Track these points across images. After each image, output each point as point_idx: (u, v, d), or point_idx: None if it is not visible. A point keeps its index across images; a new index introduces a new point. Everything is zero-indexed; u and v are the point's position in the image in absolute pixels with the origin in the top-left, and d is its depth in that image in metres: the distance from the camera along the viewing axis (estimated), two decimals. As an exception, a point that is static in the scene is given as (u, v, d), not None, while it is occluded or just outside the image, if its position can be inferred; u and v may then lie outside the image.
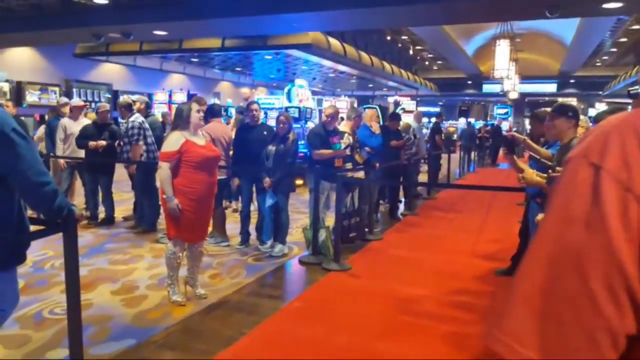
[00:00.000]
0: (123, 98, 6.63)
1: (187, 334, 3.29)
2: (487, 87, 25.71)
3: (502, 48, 12.76)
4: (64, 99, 7.41)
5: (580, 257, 0.48)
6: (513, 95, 20.67)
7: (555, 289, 0.50)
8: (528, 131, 20.23)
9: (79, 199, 6.98)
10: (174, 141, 3.64)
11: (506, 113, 31.87)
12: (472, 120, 31.15)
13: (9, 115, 2.15)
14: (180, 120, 3.72)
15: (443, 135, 11.79)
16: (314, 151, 5.20)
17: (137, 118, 5.90)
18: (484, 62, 21.77)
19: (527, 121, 31.50)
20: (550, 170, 3.06)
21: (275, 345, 3.19)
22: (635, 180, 0.48)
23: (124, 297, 3.92)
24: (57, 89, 13.36)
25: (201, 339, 3.23)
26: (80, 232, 2.91)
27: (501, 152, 17.73)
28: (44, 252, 4.86)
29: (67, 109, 6.81)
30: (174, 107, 13.14)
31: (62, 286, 3.99)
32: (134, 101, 6.59)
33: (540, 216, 2.71)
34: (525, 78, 21.89)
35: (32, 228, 2.29)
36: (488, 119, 31.77)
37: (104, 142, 6.10)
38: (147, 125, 6.01)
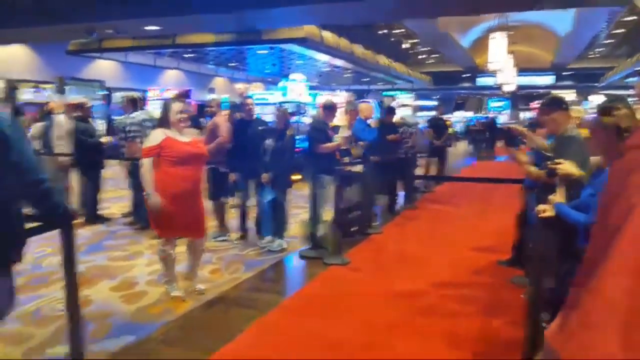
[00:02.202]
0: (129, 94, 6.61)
1: (187, 330, 3.28)
2: (481, 80, 25.71)
3: (497, 40, 12.75)
4: (53, 96, 7.36)
5: None
6: (509, 87, 20.68)
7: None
8: (528, 122, 20.31)
9: (74, 198, 6.94)
10: (154, 137, 3.59)
11: (501, 106, 31.94)
12: (470, 113, 31.25)
13: (4, 112, 2.12)
14: (162, 118, 3.65)
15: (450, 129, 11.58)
16: (319, 145, 5.14)
17: (138, 115, 5.84)
18: (480, 55, 21.78)
19: (520, 114, 31.60)
20: (548, 162, 3.06)
21: (276, 339, 3.18)
22: None
23: (123, 293, 3.91)
24: (50, 86, 13.26)
25: (201, 334, 3.22)
26: (78, 230, 2.88)
27: (498, 144, 17.80)
28: (42, 249, 4.83)
29: (60, 107, 6.76)
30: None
31: (61, 283, 3.97)
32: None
33: (540, 207, 2.71)
34: (522, 70, 21.90)
35: (28, 226, 2.27)
36: (482, 112, 31.85)
37: (111, 139, 6.12)
38: (147, 124, 5.93)
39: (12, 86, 12.27)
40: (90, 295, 3.80)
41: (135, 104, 6.11)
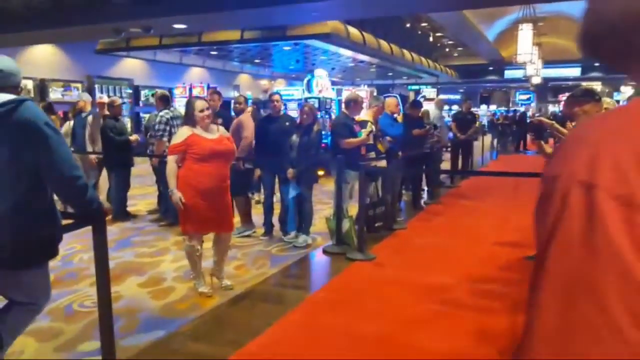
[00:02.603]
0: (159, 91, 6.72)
1: (215, 325, 3.31)
2: (509, 73, 25.23)
3: (525, 32, 12.49)
4: (84, 95, 7.50)
5: (595, 286, 0.44)
6: (536, 80, 20.26)
7: (574, 325, 0.45)
8: (552, 115, 19.85)
9: (102, 195, 7.07)
10: (179, 135, 3.67)
11: (528, 99, 31.34)
12: (493, 107, 30.72)
13: (42, 110, 2.17)
14: (187, 116, 3.73)
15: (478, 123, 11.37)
16: (343, 141, 5.13)
17: (166, 113, 5.90)
18: (506, 47, 21.36)
19: (549, 106, 30.92)
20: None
21: (303, 334, 3.19)
22: (636, 191, 0.43)
23: (151, 289, 3.97)
24: (79, 85, 13.53)
25: (229, 329, 3.25)
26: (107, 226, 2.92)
27: (529, 137, 17.44)
28: (72, 246, 4.94)
29: (83, 105, 6.90)
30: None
31: (91, 279, 4.08)
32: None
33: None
34: (548, 62, 21.41)
35: (63, 222, 2.32)
36: (509, 105, 31.27)
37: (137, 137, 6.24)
38: (176, 122, 5.99)
39: (43, 85, 12.57)
40: (120, 291, 3.87)
41: (166, 101, 6.19)
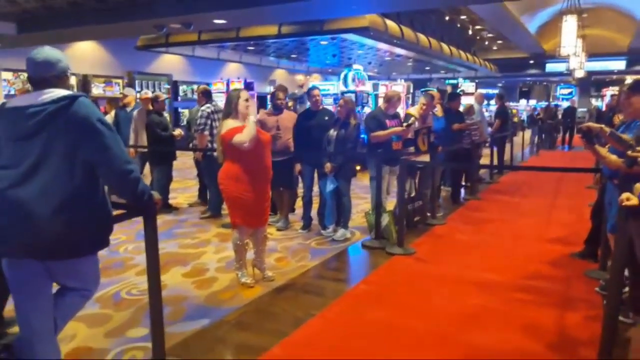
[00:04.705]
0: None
1: (258, 314, 3.35)
2: (550, 66, 24.47)
3: (569, 24, 12.08)
4: (130, 90, 7.68)
5: None
6: (579, 73, 19.56)
7: None
8: (595, 110, 19.16)
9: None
10: (229, 125, 3.69)
11: (570, 93, 30.35)
12: (533, 101, 29.89)
13: (95, 106, 2.23)
14: (229, 108, 3.75)
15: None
16: (371, 134, 5.14)
17: (207, 107, 5.99)
18: (548, 40, 20.71)
19: (593, 100, 29.86)
20: (629, 151, 2.86)
21: (345, 326, 3.19)
22: None
23: (195, 279, 4.05)
24: (120, 81, 13.89)
25: (272, 318, 3.28)
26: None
27: (577, 135, 16.92)
28: (118, 236, 5.08)
29: (129, 100, 7.08)
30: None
31: (137, 269, 4.20)
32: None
33: (625, 195, 2.52)
34: (592, 55, 20.65)
35: (115, 213, 2.39)
36: (550, 100, 30.39)
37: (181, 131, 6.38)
38: (217, 116, 6.07)
39: (85, 81, 12.96)
40: (165, 280, 3.94)
41: (208, 95, 6.29)
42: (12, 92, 10.62)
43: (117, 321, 3.24)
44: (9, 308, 2.76)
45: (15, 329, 2.74)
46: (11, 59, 10.47)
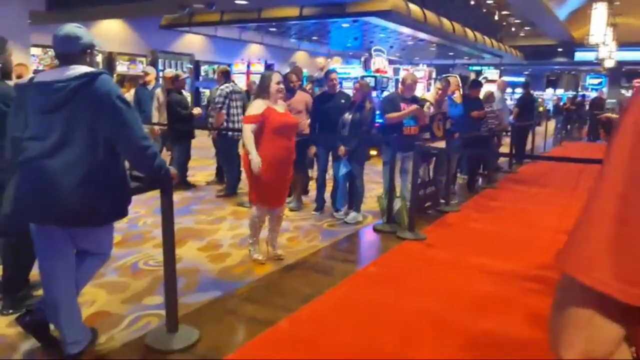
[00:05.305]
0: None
1: (268, 290, 3.48)
2: (579, 55, 23.86)
3: (599, 12, 11.81)
4: (151, 69, 7.80)
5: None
6: (609, 63, 19.10)
7: (627, 217, 0.56)
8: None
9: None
10: (257, 107, 3.79)
11: (600, 83, 29.60)
12: (560, 91, 29.26)
13: (115, 83, 2.34)
14: (262, 89, 3.85)
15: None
16: (385, 115, 5.22)
17: (226, 87, 6.10)
18: (578, 27, 20.19)
19: (623, 91, 29.09)
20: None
21: (351, 305, 3.29)
22: None
23: (209, 253, 4.19)
24: (143, 59, 14.08)
25: (281, 294, 3.40)
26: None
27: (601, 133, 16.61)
28: (137, 210, 5.24)
29: (150, 79, 7.20)
30: (252, 77, 13.45)
31: (155, 241, 4.36)
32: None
33: None
34: (623, 45, 20.08)
35: (134, 185, 2.53)
36: (579, 89, 29.72)
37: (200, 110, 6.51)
38: (236, 96, 6.18)
39: (110, 58, 13.18)
40: (180, 253, 4.10)
41: (227, 76, 6.39)
42: (41, 68, 10.89)
43: (134, 289, 3.39)
44: (34, 272, 2.93)
45: (39, 292, 2.92)
46: (41, 35, 10.71)
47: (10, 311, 2.89)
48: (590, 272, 0.58)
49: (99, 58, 12.69)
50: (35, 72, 7.60)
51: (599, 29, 12.07)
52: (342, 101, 5.45)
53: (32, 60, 11.13)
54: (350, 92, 6.41)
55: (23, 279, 3.04)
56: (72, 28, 2.33)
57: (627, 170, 0.58)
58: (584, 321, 0.60)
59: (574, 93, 24.64)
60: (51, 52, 10.77)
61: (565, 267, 0.61)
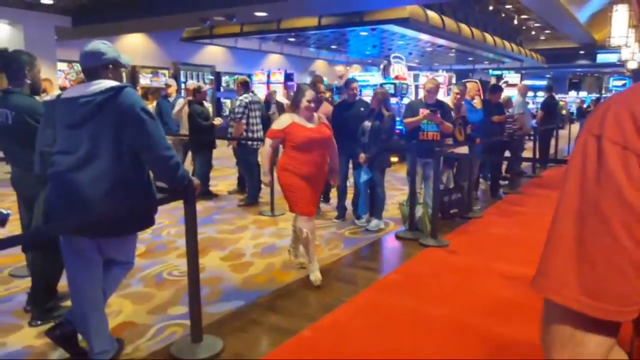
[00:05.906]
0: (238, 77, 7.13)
1: (291, 299, 3.49)
2: (601, 57, 23.46)
3: (620, 14, 11.58)
4: (172, 81, 7.94)
5: (599, 207, 0.60)
6: (632, 65, 18.70)
7: (585, 236, 0.61)
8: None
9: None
10: (281, 122, 3.76)
11: (623, 85, 29.03)
12: (583, 93, 28.79)
13: (139, 96, 2.40)
14: (294, 103, 3.80)
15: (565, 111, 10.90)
16: (403, 121, 5.24)
17: (245, 97, 6.18)
18: (599, 29, 19.86)
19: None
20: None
21: (373, 313, 3.28)
22: (630, 140, 0.60)
23: (231, 263, 4.22)
24: (166, 72, 14.32)
25: (303, 303, 3.41)
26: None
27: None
28: (161, 221, 5.32)
29: (172, 90, 7.34)
30: (272, 86, 13.57)
31: (178, 251, 4.41)
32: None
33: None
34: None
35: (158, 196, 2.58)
36: (603, 91, 29.19)
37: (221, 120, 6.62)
38: (254, 106, 6.26)
39: (134, 72, 13.44)
40: (204, 263, 4.14)
41: (246, 86, 6.47)
42: (67, 83, 11.17)
43: (159, 300, 3.44)
44: (61, 283, 2.99)
45: (67, 303, 2.99)
46: (66, 51, 10.99)
47: (39, 322, 2.96)
48: (559, 290, 0.63)
49: (125, 72, 13.05)
50: (62, 88, 7.80)
51: (620, 31, 11.83)
52: (362, 109, 5.47)
53: (58, 76, 11.43)
54: (369, 100, 6.43)
55: (51, 290, 3.11)
56: (97, 44, 2.40)
57: (580, 190, 0.62)
58: (566, 338, 0.64)
59: (598, 95, 24.18)
60: (77, 67, 11.06)
61: (538, 289, 0.67)
